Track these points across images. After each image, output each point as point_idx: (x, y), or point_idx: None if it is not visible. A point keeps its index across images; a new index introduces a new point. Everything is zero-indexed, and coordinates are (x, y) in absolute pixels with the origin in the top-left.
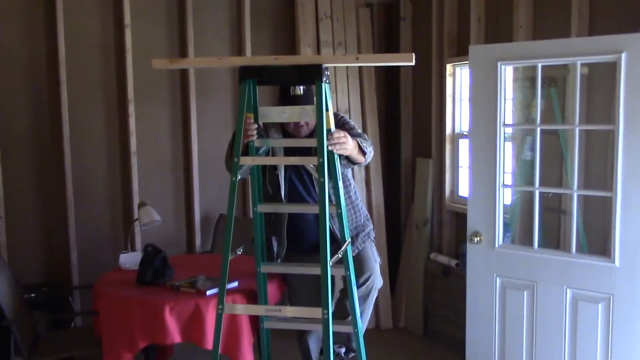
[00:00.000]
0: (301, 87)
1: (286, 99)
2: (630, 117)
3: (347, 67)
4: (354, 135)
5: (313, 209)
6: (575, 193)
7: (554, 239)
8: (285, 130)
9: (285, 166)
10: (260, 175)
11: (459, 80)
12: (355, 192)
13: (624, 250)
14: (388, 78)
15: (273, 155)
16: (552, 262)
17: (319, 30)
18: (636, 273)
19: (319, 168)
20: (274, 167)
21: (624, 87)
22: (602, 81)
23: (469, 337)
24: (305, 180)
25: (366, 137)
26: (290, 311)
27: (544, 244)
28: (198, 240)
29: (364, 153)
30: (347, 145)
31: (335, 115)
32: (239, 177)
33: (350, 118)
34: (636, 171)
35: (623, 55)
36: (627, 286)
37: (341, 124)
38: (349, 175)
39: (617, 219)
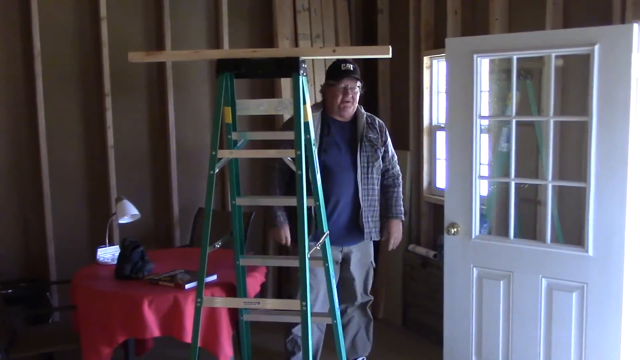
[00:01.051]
0: (350, 65)
1: (338, 73)
2: (603, 109)
3: (324, 59)
4: (393, 152)
5: (287, 202)
6: (549, 184)
7: (530, 230)
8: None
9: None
10: (238, 169)
11: (436, 72)
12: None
13: (598, 239)
14: (366, 71)
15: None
16: (527, 252)
17: (297, 23)
18: (609, 262)
19: (297, 161)
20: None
21: (597, 78)
22: (576, 73)
23: (446, 327)
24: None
25: (395, 153)
26: (269, 303)
27: (521, 234)
28: (177, 234)
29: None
30: (401, 234)
31: (370, 117)
32: (217, 170)
33: None
34: (609, 162)
35: (596, 47)
36: (600, 275)
37: (383, 134)
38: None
39: (590, 209)
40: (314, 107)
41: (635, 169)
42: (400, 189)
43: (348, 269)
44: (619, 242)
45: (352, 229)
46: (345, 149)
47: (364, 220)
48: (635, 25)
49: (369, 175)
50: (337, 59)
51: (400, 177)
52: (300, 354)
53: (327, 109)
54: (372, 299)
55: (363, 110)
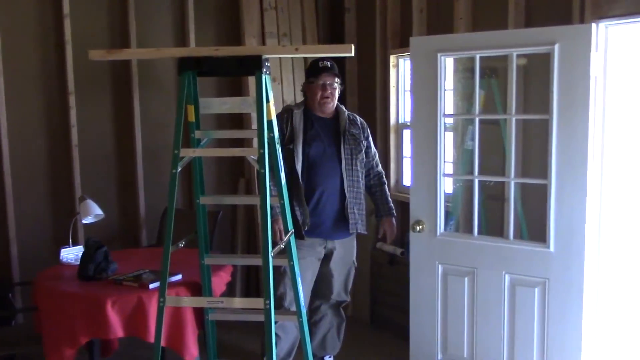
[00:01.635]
0: (328, 62)
1: (316, 70)
2: (563, 107)
3: (292, 58)
4: (371, 150)
5: (252, 200)
6: (512, 181)
7: (498, 227)
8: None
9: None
10: (202, 167)
11: (402, 71)
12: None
13: (559, 236)
14: None
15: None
16: (491, 249)
17: (264, 21)
18: (569, 258)
19: (260, 159)
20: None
21: (557, 77)
22: (540, 72)
23: (412, 323)
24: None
25: (376, 152)
26: (232, 302)
27: (487, 231)
28: (144, 234)
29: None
30: (395, 230)
31: (352, 115)
32: (179, 169)
33: None
34: (569, 159)
35: (556, 47)
36: (561, 270)
37: (364, 130)
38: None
39: (551, 206)
40: (297, 106)
41: (596, 166)
42: (386, 187)
43: (328, 265)
44: (580, 238)
45: (338, 221)
46: (329, 142)
47: (349, 211)
48: (594, 25)
49: (353, 167)
50: (315, 59)
51: (384, 175)
52: (276, 350)
53: (308, 107)
54: (349, 300)
55: (344, 108)
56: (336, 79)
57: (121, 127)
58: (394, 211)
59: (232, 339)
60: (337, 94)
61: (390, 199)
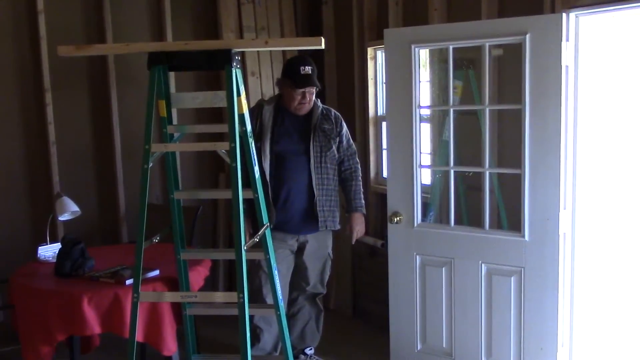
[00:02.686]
0: (309, 67)
1: (297, 78)
2: (534, 97)
3: (270, 52)
4: (349, 144)
5: (226, 194)
6: (487, 171)
7: (478, 217)
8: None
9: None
10: (175, 162)
11: (380, 63)
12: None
13: (532, 224)
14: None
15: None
16: (467, 239)
17: (242, 15)
18: (543, 246)
19: (231, 153)
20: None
21: (528, 67)
22: (514, 62)
23: (392, 314)
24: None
25: (354, 145)
26: (207, 297)
27: (469, 222)
28: (124, 230)
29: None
30: (363, 227)
31: (326, 110)
32: (151, 164)
33: None
34: (542, 148)
35: (527, 37)
36: (535, 259)
37: (338, 125)
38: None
39: (525, 195)
40: (269, 101)
41: (569, 155)
42: (359, 182)
43: (301, 257)
44: (553, 227)
45: (307, 218)
46: (298, 138)
47: (318, 208)
48: (564, 15)
49: (322, 165)
50: (294, 59)
51: (359, 170)
52: (259, 345)
53: (282, 103)
54: (325, 292)
55: (319, 103)
56: (315, 86)
57: (99, 123)
58: (364, 208)
59: (212, 333)
60: (313, 98)
61: (361, 194)
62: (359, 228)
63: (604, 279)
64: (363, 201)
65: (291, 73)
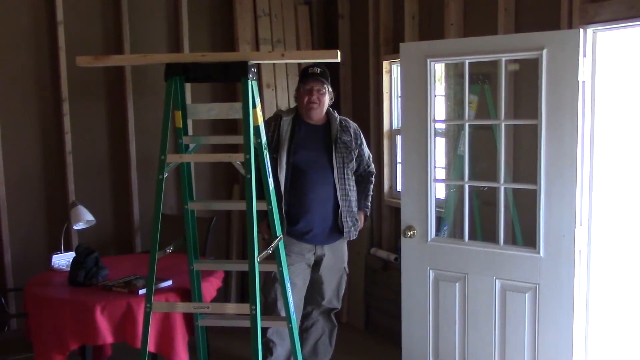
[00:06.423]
0: (317, 68)
1: (305, 76)
2: (551, 112)
3: (286, 65)
4: (364, 153)
5: (240, 206)
6: (502, 186)
7: (493, 233)
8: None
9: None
10: (190, 173)
11: (395, 77)
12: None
13: (548, 241)
14: None
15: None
16: (481, 254)
17: (258, 28)
18: (559, 263)
19: (245, 165)
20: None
21: (545, 82)
22: (530, 77)
23: (404, 329)
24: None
25: (370, 154)
26: (219, 308)
27: (483, 237)
28: (138, 240)
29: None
30: (363, 223)
31: (345, 121)
32: (166, 175)
33: None
34: (558, 164)
35: (544, 52)
36: (551, 275)
37: (357, 137)
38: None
39: (541, 211)
40: (287, 112)
41: (585, 171)
42: (371, 186)
43: (318, 271)
44: (569, 243)
45: (329, 228)
46: (320, 150)
47: (342, 220)
48: (582, 31)
49: (345, 176)
50: (307, 64)
51: (374, 175)
52: (271, 359)
53: (299, 113)
54: (339, 307)
55: (337, 115)
56: (325, 85)
57: (115, 134)
58: (369, 210)
59: (224, 344)
60: (325, 101)
61: (370, 197)
62: (359, 224)
63: (619, 297)
64: (369, 203)
65: (301, 75)
